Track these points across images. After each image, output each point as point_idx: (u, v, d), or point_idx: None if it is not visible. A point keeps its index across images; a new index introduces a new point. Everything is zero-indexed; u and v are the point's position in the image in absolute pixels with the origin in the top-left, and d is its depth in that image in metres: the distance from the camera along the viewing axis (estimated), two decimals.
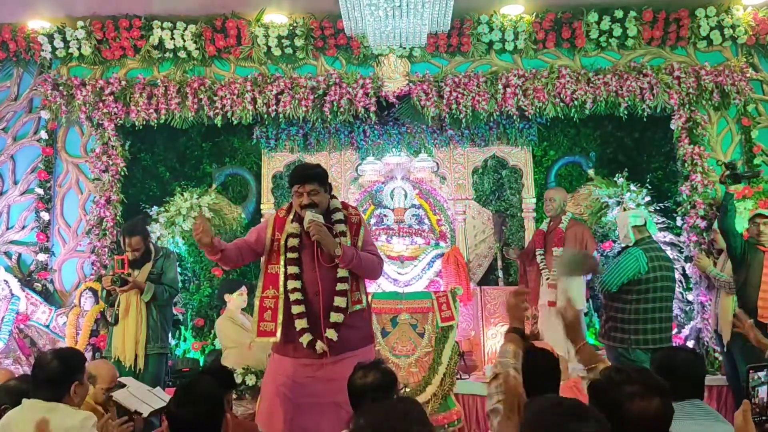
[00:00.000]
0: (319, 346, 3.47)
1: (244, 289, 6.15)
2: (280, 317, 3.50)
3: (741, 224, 5.71)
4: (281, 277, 3.55)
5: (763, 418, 2.36)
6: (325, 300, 3.50)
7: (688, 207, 6.30)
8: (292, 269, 3.55)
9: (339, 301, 3.51)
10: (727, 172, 5.26)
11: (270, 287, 3.55)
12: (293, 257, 3.55)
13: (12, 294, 6.24)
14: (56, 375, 2.79)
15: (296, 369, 3.52)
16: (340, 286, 3.53)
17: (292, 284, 3.52)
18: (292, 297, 3.50)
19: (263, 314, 3.53)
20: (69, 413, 2.74)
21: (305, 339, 3.47)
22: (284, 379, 3.53)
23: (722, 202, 5.36)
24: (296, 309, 3.50)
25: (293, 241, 3.57)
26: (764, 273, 5.08)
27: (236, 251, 3.65)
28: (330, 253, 3.48)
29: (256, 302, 3.59)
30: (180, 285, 6.05)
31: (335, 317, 3.49)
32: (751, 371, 2.44)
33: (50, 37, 6.61)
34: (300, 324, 3.49)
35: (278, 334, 3.48)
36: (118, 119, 6.47)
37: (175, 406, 2.29)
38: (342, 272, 3.53)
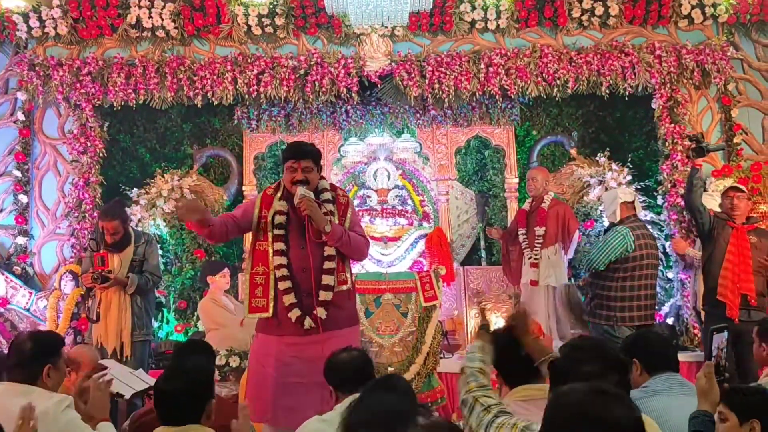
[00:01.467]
0: (308, 322, 3.48)
1: (226, 270, 6.13)
2: (272, 293, 3.53)
3: (713, 200, 5.73)
4: (270, 254, 3.56)
5: (722, 378, 2.39)
6: (312, 277, 3.51)
7: (669, 186, 6.35)
8: (279, 245, 3.56)
9: (327, 279, 3.52)
10: (693, 146, 5.13)
11: (259, 264, 3.57)
12: (280, 234, 3.57)
13: None
14: (28, 357, 2.74)
15: (281, 348, 3.52)
16: (327, 264, 3.55)
17: (278, 260, 3.54)
18: (279, 273, 3.52)
19: (254, 290, 3.55)
20: (44, 396, 2.68)
21: (293, 314, 3.48)
22: (269, 359, 3.54)
23: (688, 177, 5.28)
24: (283, 285, 3.51)
25: (280, 218, 3.59)
26: (728, 251, 4.96)
27: (222, 226, 3.64)
28: (319, 230, 3.49)
29: (247, 279, 3.59)
30: (162, 268, 6.01)
31: (324, 295, 3.51)
32: (714, 333, 2.47)
33: (25, 17, 6.47)
34: (288, 300, 3.50)
35: (271, 309, 3.51)
36: (96, 100, 6.37)
37: (165, 382, 2.27)
38: (329, 250, 3.55)
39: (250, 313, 3.55)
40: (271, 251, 3.56)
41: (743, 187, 5.37)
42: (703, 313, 5.41)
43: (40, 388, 2.72)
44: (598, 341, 2.09)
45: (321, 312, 3.48)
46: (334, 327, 3.52)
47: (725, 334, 2.47)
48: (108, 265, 4.98)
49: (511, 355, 2.45)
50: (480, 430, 1.98)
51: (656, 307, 5.64)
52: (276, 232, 3.57)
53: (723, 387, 2.41)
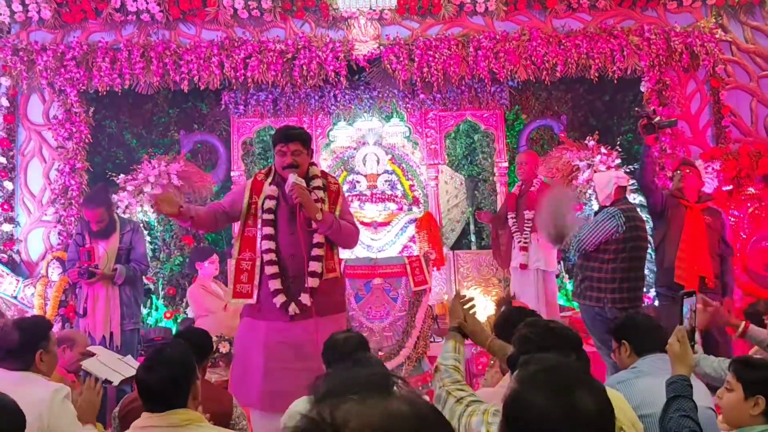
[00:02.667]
0: (292, 308, 3.46)
1: (215, 257, 6.10)
2: (257, 279, 3.51)
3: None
4: (258, 240, 3.55)
5: (693, 343, 2.41)
6: (300, 263, 3.49)
7: (657, 169, 6.36)
8: (268, 230, 3.55)
9: (314, 266, 3.50)
10: (644, 122, 4.92)
11: (246, 250, 3.56)
12: (269, 219, 3.56)
13: None
14: (18, 346, 2.72)
15: (268, 332, 3.51)
16: (316, 251, 3.52)
17: (267, 245, 3.53)
18: (266, 257, 3.51)
19: (240, 276, 3.53)
20: (40, 384, 2.68)
21: (279, 299, 3.47)
22: (256, 344, 3.52)
23: (641, 156, 5.15)
24: (270, 270, 3.50)
25: (270, 203, 3.56)
26: (684, 231, 4.85)
27: (210, 216, 3.61)
28: (310, 217, 3.46)
29: (233, 265, 3.59)
30: (150, 254, 5.97)
31: (311, 282, 3.48)
32: (683, 297, 2.48)
33: (8, 1, 6.36)
34: (274, 285, 3.49)
35: (254, 295, 3.50)
36: (81, 85, 6.29)
37: (144, 372, 2.25)
38: (319, 237, 3.52)
39: (234, 298, 3.55)
40: (259, 236, 3.55)
41: (695, 162, 5.33)
42: (656, 294, 5.38)
43: (36, 375, 2.71)
44: (546, 327, 2.06)
45: (306, 298, 3.47)
46: (321, 313, 3.49)
47: (694, 298, 2.49)
48: (94, 259, 4.91)
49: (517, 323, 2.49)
50: (453, 420, 1.98)
51: (645, 290, 5.66)
52: (265, 216, 3.56)
53: (695, 351, 2.43)
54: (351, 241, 3.71)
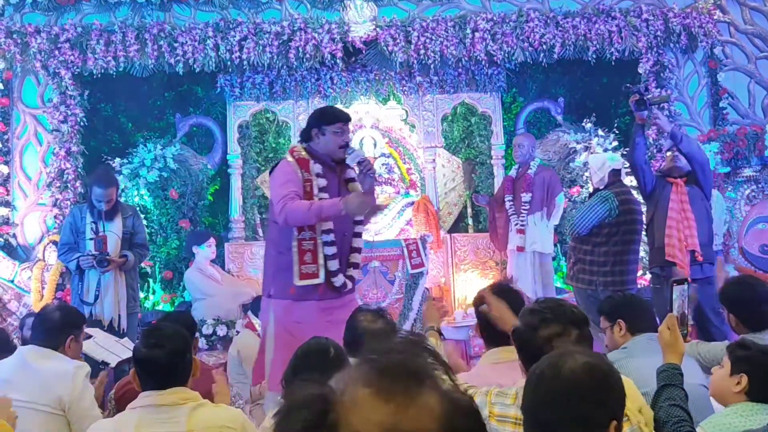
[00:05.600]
0: (346, 285, 3.59)
1: (212, 240, 6.11)
2: (321, 258, 3.51)
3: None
4: None
5: (685, 331, 2.42)
6: (348, 242, 3.62)
7: (655, 151, 6.35)
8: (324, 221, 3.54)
9: (358, 242, 3.67)
10: (636, 98, 4.81)
11: (306, 229, 3.51)
12: (324, 198, 3.54)
13: None
14: (55, 325, 2.97)
15: (319, 313, 3.53)
16: (358, 228, 3.67)
17: (327, 225, 3.51)
18: (327, 238, 3.51)
19: (303, 257, 3.50)
20: (63, 360, 2.89)
21: (339, 279, 3.55)
22: (304, 326, 3.46)
23: (632, 135, 5.06)
24: (330, 250, 3.52)
25: (323, 182, 3.54)
26: (670, 208, 4.80)
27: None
28: (370, 194, 3.56)
29: (295, 245, 3.50)
30: (147, 238, 5.96)
31: (356, 258, 3.65)
32: (674, 284, 2.49)
33: None
34: (333, 265, 3.53)
35: (321, 274, 3.49)
36: (76, 68, 6.24)
37: (144, 348, 2.26)
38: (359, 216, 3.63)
39: (301, 280, 3.48)
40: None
41: None
42: (650, 275, 5.37)
43: (61, 354, 2.94)
44: (555, 302, 2.10)
45: (357, 274, 3.66)
46: (353, 290, 3.70)
47: (686, 286, 2.49)
48: (106, 247, 4.88)
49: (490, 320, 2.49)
50: None
51: (642, 272, 5.68)
52: (321, 195, 3.52)
53: (686, 340, 2.43)
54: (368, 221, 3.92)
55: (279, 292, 3.59)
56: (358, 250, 3.67)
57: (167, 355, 2.23)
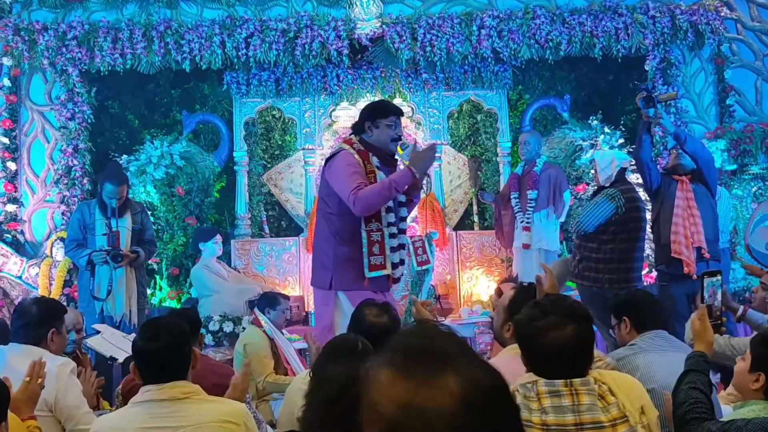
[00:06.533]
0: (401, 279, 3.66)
1: (218, 237, 6.12)
2: (388, 250, 3.53)
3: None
4: (383, 210, 3.53)
5: (718, 322, 2.49)
6: (398, 234, 3.65)
7: (661, 148, 6.34)
8: (399, 195, 3.56)
9: (403, 239, 3.70)
10: (643, 95, 4.78)
11: (373, 220, 3.52)
12: None
13: None
14: (34, 321, 2.85)
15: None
16: (402, 225, 3.70)
17: (391, 217, 3.55)
18: (390, 230, 3.54)
19: (371, 248, 3.51)
20: (48, 357, 2.74)
21: (400, 270, 3.62)
22: None
23: (638, 132, 5.04)
24: (394, 242, 3.56)
25: (381, 174, 3.54)
26: (676, 205, 4.81)
27: None
28: (417, 187, 3.61)
29: (364, 236, 3.51)
30: (155, 235, 5.98)
31: (402, 254, 3.67)
32: (705, 276, 2.53)
33: None
34: (395, 257, 3.56)
35: (388, 265, 3.52)
36: (83, 65, 6.27)
37: (143, 341, 2.26)
38: (403, 211, 3.66)
39: (371, 271, 3.50)
40: (384, 207, 3.53)
41: None
42: (656, 273, 5.36)
43: (42, 350, 2.80)
44: (557, 296, 2.14)
45: (402, 269, 3.67)
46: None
47: (719, 278, 2.54)
48: (119, 243, 4.91)
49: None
50: None
51: (645, 270, 5.66)
52: None
53: (721, 331, 2.49)
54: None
55: (346, 284, 3.57)
56: (403, 246, 3.69)
57: (163, 348, 2.21)
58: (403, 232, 3.71)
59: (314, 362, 2.44)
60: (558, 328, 1.89)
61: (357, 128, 3.66)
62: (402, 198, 3.62)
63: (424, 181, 3.74)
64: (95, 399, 3.14)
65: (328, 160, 3.68)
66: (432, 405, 0.78)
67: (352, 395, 0.80)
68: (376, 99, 6.76)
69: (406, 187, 3.47)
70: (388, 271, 3.52)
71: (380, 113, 3.59)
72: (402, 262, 3.67)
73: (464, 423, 0.78)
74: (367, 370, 0.83)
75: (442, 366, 0.81)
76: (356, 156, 3.54)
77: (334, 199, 3.54)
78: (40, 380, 2.46)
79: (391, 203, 3.55)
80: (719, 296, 2.52)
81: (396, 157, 3.66)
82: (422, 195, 4.01)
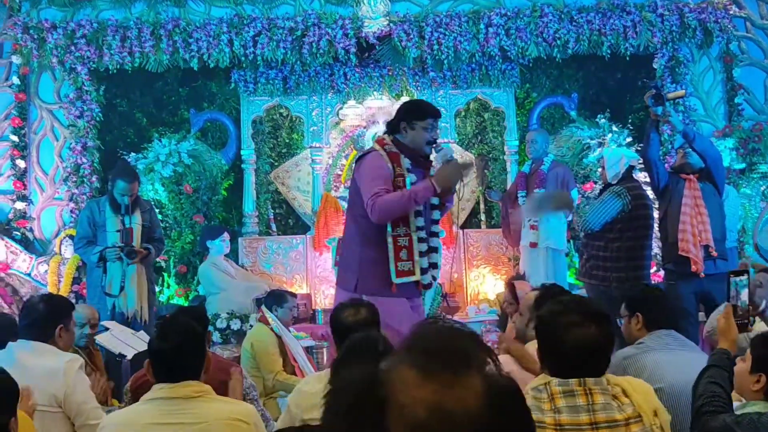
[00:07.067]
0: (432, 285, 3.53)
1: (226, 235, 6.14)
2: (416, 255, 3.40)
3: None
4: (411, 215, 3.41)
5: (746, 320, 2.52)
6: (429, 238, 3.52)
7: (669, 146, 6.32)
8: (418, 206, 3.44)
9: (435, 241, 3.55)
10: (652, 92, 4.74)
11: (401, 224, 3.40)
12: None
13: None
14: (42, 318, 2.84)
15: (410, 311, 3.46)
16: (435, 228, 3.57)
17: (420, 221, 3.43)
18: (419, 235, 3.42)
19: (399, 253, 3.39)
20: (54, 354, 2.78)
21: (427, 278, 3.47)
22: (406, 322, 3.33)
23: (646, 131, 5.00)
24: (423, 246, 3.43)
25: (413, 177, 3.42)
26: (684, 203, 4.76)
27: None
28: (450, 191, 3.49)
29: (390, 241, 3.40)
30: (162, 233, 6.00)
31: (435, 258, 3.56)
32: (731, 275, 2.54)
33: None
34: (425, 262, 3.45)
35: (417, 271, 3.40)
36: (92, 63, 6.31)
37: (159, 341, 2.28)
38: (436, 214, 3.55)
39: (398, 277, 3.38)
40: (412, 211, 3.41)
41: None
42: (663, 271, 5.34)
43: (50, 347, 2.81)
44: (578, 296, 2.17)
45: (437, 273, 3.57)
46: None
47: (744, 276, 2.55)
48: (132, 239, 4.93)
49: None
50: None
51: (653, 269, 5.64)
52: None
53: (748, 329, 2.55)
54: None
55: (370, 289, 3.42)
56: (436, 250, 3.58)
57: (179, 349, 2.24)
58: (435, 235, 3.59)
59: (333, 363, 2.41)
60: (581, 326, 1.89)
61: (391, 127, 3.53)
62: (435, 201, 3.51)
63: (458, 185, 3.55)
64: (105, 397, 3.15)
65: (358, 159, 3.59)
66: (459, 406, 0.78)
67: (376, 396, 0.80)
68: (383, 97, 6.79)
69: (427, 199, 3.38)
70: (416, 277, 3.40)
71: (417, 114, 3.45)
72: (434, 265, 3.55)
73: (487, 422, 0.79)
74: (389, 370, 0.83)
75: (464, 366, 0.81)
76: (386, 158, 3.42)
77: (361, 200, 3.43)
78: (30, 402, 2.44)
79: (420, 207, 3.43)
80: (744, 296, 2.52)
81: (431, 158, 3.54)
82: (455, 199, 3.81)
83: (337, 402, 0.84)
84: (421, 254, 3.42)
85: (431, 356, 0.82)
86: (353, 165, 6.79)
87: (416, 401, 0.79)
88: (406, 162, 3.43)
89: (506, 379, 0.84)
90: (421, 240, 3.43)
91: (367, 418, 0.80)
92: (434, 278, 3.58)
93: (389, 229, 3.39)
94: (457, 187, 3.48)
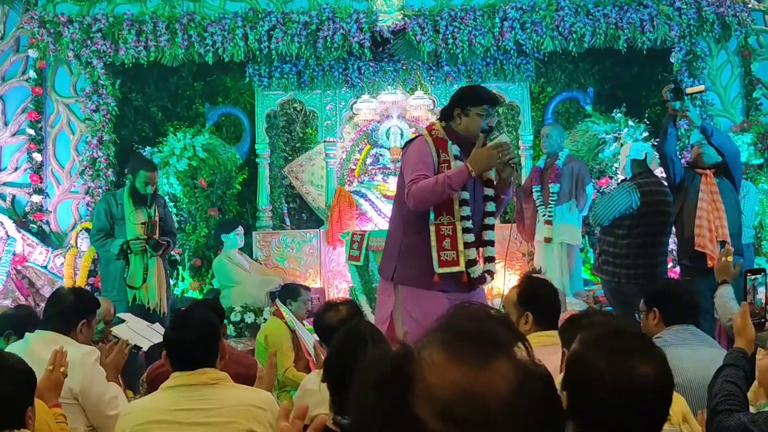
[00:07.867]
0: (485, 279, 3.34)
1: (240, 228, 6.16)
2: (460, 245, 3.24)
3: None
4: (455, 203, 3.26)
5: (762, 320, 2.50)
6: (479, 231, 3.38)
7: (686, 141, 6.26)
8: (464, 194, 3.27)
9: (490, 235, 3.41)
10: (671, 86, 4.71)
11: (444, 213, 3.25)
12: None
13: (8, 236, 6.24)
14: (69, 309, 2.86)
15: (448, 306, 3.32)
16: (488, 220, 3.42)
17: (465, 210, 3.28)
18: (464, 225, 3.26)
19: (442, 242, 3.24)
20: (71, 347, 2.75)
21: (476, 271, 3.29)
22: (429, 316, 3.15)
23: (662, 125, 4.97)
24: (468, 237, 3.27)
25: (460, 164, 3.24)
26: (700, 198, 4.71)
27: None
28: (507, 181, 3.33)
29: (432, 230, 3.26)
30: (176, 226, 6.04)
31: (490, 251, 3.40)
32: (748, 274, 2.52)
33: None
34: (471, 254, 3.28)
35: (462, 262, 3.23)
36: (107, 57, 6.34)
37: (174, 332, 2.30)
38: (490, 206, 3.40)
39: (440, 267, 3.22)
40: (457, 199, 3.26)
41: None
42: (679, 267, 5.29)
43: (69, 339, 2.81)
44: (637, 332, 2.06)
45: (493, 267, 3.37)
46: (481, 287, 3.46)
47: (762, 275, 2.53)
48: (156, 232, 4.95)
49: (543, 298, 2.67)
50: None
51: (669, 264, 5.59)
52: None
53: (765, 328, 2.53)
54: None
55: (408, 279, 3.33)
56: (491, 243, 3.40)
57: (194, 340, 2.27)
58: (489, 228, 3.41)
59: (325, 360, 2.41)
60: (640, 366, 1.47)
61: (445, 114, 3.38)
62: (490, 192, 3.37)
63: (513, 177, 3.35)
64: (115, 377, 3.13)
65: (405, 145, 3.47)
66: (488, 390, 0.78)
67: (405, 374, 0.80)
68: (397, 92, 6.78)
69: (463, 184, 3.18)
70: (460, 267, 3.22)
71: (472, 100, 3.28)
72: (489, 259, 3.38)
73: (518, 409, 0.78)
74: (419, 350, 0.82)
75: (495, 350, 0.81)
76: (431, 144, 3.29)
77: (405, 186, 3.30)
78: (63, 369, 2.48)
79: (466, 196, 3.28)
80: (760, 294, 2.50)
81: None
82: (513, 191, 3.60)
83: (365, 378, 0.83)
84: (468, 245, 3.25)
85: (463, 338, 0.82)
86: (367, 159, 6.85)
87: (444, 381, 0.78)
88: (454, 149, 3.29)
89: (538, 366, 0.83)
90: (467, 230, 3.26)
91: (392, 397, 0.79)
92: (489, 273, 3.38)
93: (432, 217, 3.26)
94: (510, 172, 3.25)
